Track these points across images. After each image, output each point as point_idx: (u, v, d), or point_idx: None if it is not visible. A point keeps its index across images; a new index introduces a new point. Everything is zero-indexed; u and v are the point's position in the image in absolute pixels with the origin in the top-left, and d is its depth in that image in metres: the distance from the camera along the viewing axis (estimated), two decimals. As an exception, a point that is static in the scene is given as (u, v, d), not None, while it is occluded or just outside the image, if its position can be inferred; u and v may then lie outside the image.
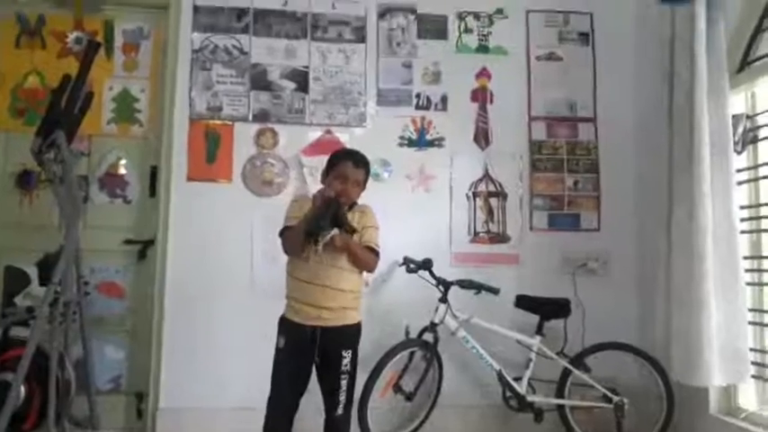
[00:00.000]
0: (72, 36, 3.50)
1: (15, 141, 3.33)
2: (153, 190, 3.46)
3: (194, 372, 3.25)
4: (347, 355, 2.41)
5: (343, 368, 2.40)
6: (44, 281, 2.82)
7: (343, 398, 2.40)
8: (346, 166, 2.47)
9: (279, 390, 2.41)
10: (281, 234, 2.46)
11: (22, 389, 2.62)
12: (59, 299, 2.64)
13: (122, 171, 3.48)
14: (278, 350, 2.44)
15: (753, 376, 2.78)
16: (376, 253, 2.47)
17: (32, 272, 3.24)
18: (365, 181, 2.55)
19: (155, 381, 3.27)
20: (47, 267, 2.83)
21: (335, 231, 2.31)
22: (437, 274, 3.18)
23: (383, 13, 3.64)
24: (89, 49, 2.87)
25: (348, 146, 3.46)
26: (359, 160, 2.53)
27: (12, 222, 3.35)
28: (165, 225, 3.35)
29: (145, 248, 3.42)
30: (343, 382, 2.40)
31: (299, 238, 2.35)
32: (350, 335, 2.45)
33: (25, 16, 3.47)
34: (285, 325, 2.45)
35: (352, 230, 2.33)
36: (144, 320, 3.36)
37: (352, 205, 2.52)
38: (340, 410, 2.40)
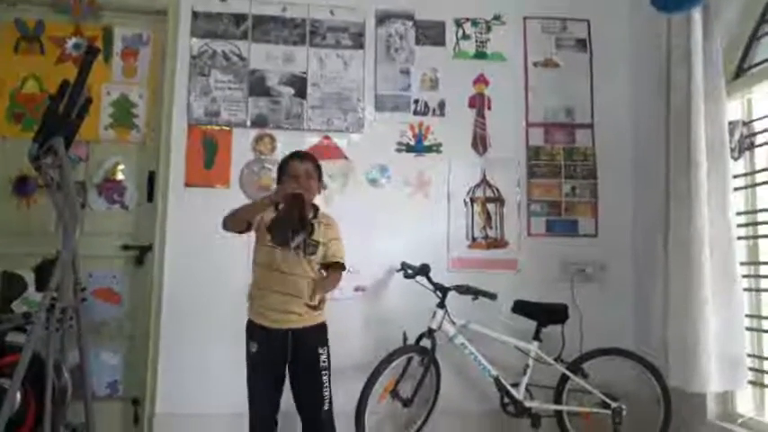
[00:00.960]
0: (71, 42, 3.51)
1: (12, 147, 3.33)
2: (150, 196, 3.46)
3: (191, 377, 3.25)
4: (323, 351, 2.49)
5: (322, 364, 2.47)
6: (41, 286, 2.81)
7: (327, 393, 2.47)
8: (292, 165, 2.53)
9: (259, 394, 2.47)
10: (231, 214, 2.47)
11: (18, 395, 2.61)
12: (56, 304, 2.63)
13: (120, 177, 3.48)
14: (250, 355, 2.48)
15: (750, 382, 2.78)
16: (342, 266, 2.54)
17: (29, 277, 3.24)
18: (319, 176, 2.59)
19: (151, 386, 3.27)
20: (44, 273, 2.83)
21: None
22: (435, 279, 3.18)
23: (381, 20, 3.66)
24: (88, 54, 2.87)
25: (346, 152, 3.50)
26: (302, 155, 2.60)
27: (9, 228, 3.34)
28: (162, 231, 3.35)
29: (142, 254, 3.42)
30: (325, 378, 2.47)
31: (247, 215, 2.44)
32: (319, 333, 2.52)
33: (24, 22, 3.47)
34: (254, 329, 2.49)
35: (310, 233, 2.41)
36: (141, 326, 3.35)
37: (316, 212, 2.56)
38: (326, 406, 2.46)
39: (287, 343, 2.43)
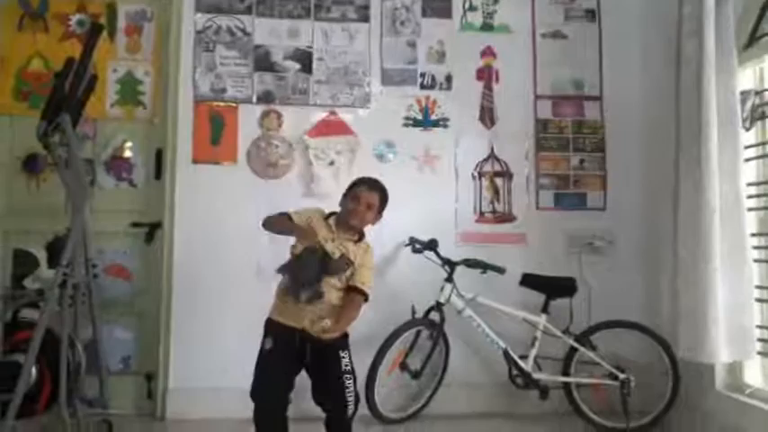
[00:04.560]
0: (74, 18, 3.48)
1: (20, 124, 3.33)
2: (158, 172, 3.47)
3: (203, 352, 3.29)
4: (345, 355, 2.38)
5: (344, 368, 2.36)
6: (53, 263, 2.84)
7: (351, 398, 2.36)
8: (361, 189, 2.46)
9: (267, 391, 2.35)
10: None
11: (34, 370, 2.65)
12: (68, 281, 2.66)
13: (128, 154, 3.49)
14: (264, 352, 2.37)
15: (759, 353, 2.77)
16: (365, 295, 2.40)
17: (41, 255, 3.27)
18: (381, 208, 2.50)
19: (164, 361, 3.32)
20: (56, 250, 2.85)
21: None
22: (443, 253, 3.19)
23: (387, -8, 3.61)
24: (92, 31, 2.86)
25: (353, 127, 3.47)
26: (373, 185, 2.50)
27: (19, 206, 3.37)
28: (171, 207, 3.37)
29: (152, 231, 3.44)
30: (349, 382, 2.36)
31: (275, 231, 2.46)
32: (340, 339, 2.37)
33: (28, -1, 3.46)
34: (273, 326, 2.40)
35: (349, 262, 2.34)
36: (152, 302, 3.39)
37: (360, 237, 2.48)
38: (351, 409, 2.37)
39: (304, 342, 2.32)
